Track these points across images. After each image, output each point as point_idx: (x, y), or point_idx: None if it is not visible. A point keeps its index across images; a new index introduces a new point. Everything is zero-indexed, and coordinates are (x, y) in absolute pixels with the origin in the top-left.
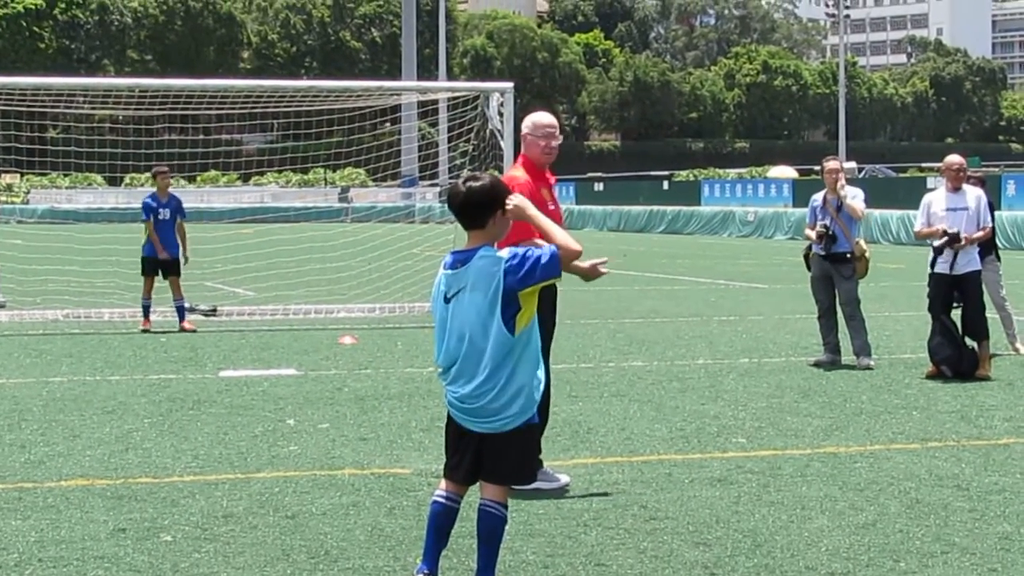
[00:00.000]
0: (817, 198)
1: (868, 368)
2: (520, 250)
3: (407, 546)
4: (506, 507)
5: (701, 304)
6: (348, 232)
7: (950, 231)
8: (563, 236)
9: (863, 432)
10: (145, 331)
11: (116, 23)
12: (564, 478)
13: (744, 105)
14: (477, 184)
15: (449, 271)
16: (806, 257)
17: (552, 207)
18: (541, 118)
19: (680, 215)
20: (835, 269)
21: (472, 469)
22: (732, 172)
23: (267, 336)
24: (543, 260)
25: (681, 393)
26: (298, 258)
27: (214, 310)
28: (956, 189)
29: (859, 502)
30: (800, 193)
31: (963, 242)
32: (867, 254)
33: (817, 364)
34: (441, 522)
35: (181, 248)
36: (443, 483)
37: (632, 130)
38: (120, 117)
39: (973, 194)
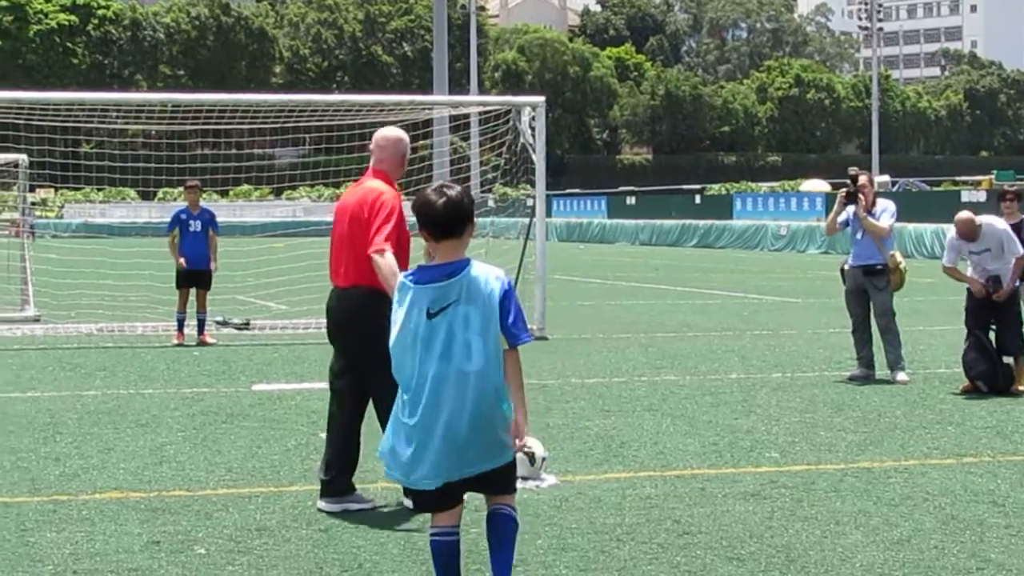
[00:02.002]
0: (850, 209)
1: (902, 383)
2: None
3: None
4: (515, 508)
5: (734, 318)
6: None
7: (989, 289)
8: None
9: (898, 447)
10: (179, 345)
11: (149, 39)
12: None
13: (776, 118)
14: (455, 193)
15: (431, 284)
16: (842, 271)
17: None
18: (398, 132)
19: (712, 229)
20: (869, 282)
21: (463, 494)
22: (764, 186)
23: (299, 350)
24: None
25: (714, 407)
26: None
27: (246, 324)
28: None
29: (894, 517)
30: (833, 207)
31: (1006, 288)
32: (902, 266)
33: (851, 379)
34: (447, 560)
35: (212, 260)
36: (436, 517)
37: (664, 144)
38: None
39: (994, 232)
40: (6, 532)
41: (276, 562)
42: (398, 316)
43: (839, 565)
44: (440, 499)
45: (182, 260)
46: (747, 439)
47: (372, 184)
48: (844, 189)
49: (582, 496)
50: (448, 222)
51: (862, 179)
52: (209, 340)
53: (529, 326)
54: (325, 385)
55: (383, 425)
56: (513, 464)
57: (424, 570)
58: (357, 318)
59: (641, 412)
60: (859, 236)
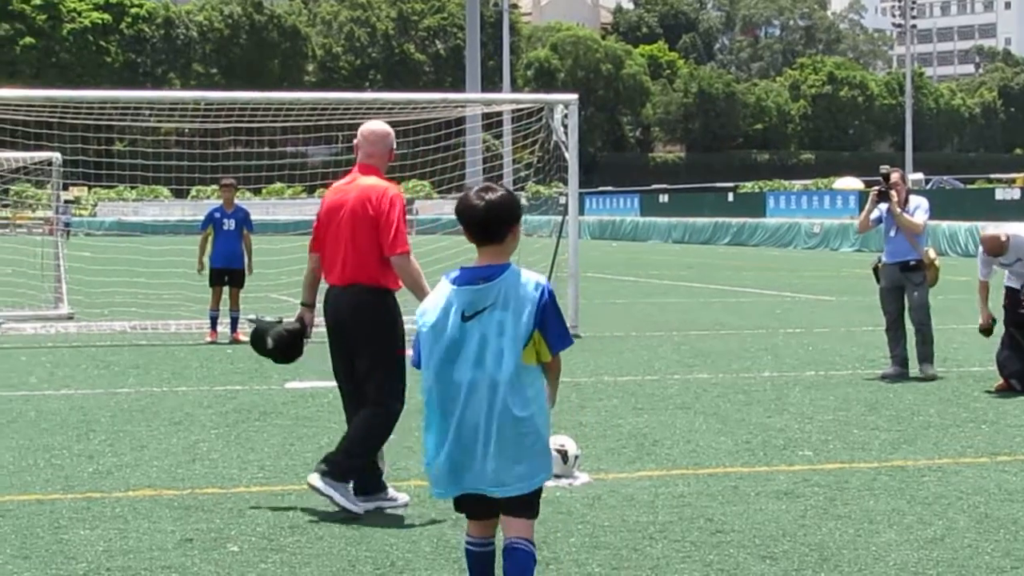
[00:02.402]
0: (883, 206)
1: (932, 378)
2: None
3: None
4: (534, 544)
5: (766, 316)
6: (414, 244)
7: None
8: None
9: (931, 446)
10: (212, 343)
11: (182, 37)
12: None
13: (809, 116)
14: (498, 196)
15: (468, 286)
16: (875, 269)
17: None
18: (385, 126)
19: (745, 227)
20: (906, 277)
21: (495, 508)
22: (797, 184)
23: None
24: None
25: (747, 405)
26: None
27: (279, 322)
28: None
29: (927, 516)
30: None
31: None
32: (936, 262)
33: (884, 377)
34: (480, 570)
35: (246, 260)
36: (469, 525)
37: (697, 142)
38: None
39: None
40: (40, 529)
41: (309, 559)
42: (430, 316)
43: (872, 564)
44: (473, 507)
45: (204, 262)
46: (780, 437)
47: (371, 181)
48: (876, 187)
49: (615, 494)
50: (487, 226)
51: (894, 176)
52: (242, 338)
53: None
54: None
55: (375, 424)
56: (539, 491)
57: (457, 567)
58: (359, 316)
59: (674, 410)
60: (892, 233)
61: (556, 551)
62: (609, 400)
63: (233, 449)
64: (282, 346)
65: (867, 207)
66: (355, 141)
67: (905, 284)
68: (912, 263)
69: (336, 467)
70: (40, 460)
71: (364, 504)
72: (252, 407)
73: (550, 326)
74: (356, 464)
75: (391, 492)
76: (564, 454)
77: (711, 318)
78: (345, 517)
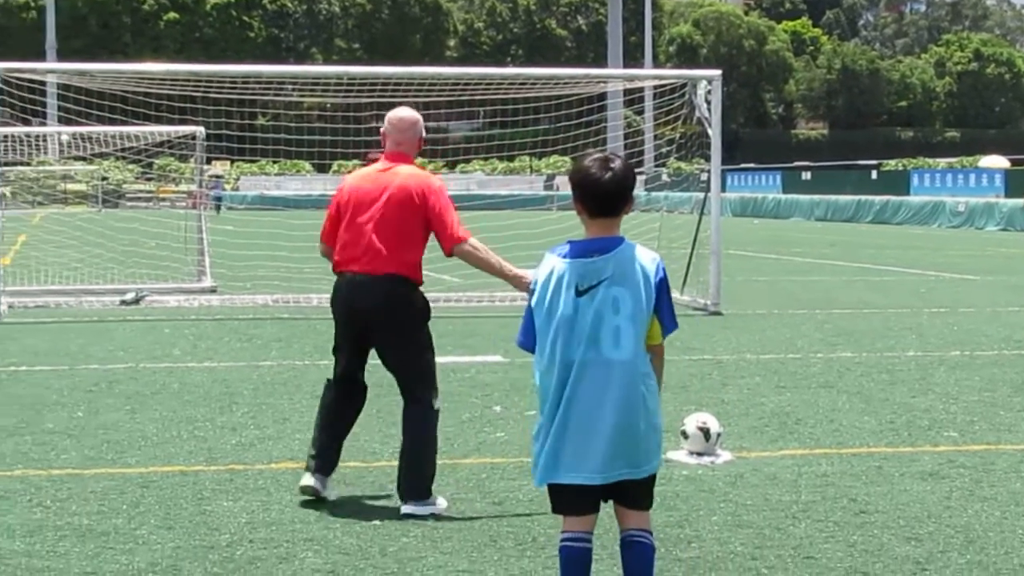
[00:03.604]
0: None
1: None
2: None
3: (614, 535)
4: (651, 532)
5: (910, 295)
6: (553, 220)
7: None
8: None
9: None
10: None
11: (324, 12)
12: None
13: (955, 93)
14: (621, 166)
15: (582, 259)
16: None
17: None
18: (414, 113)
19: (888, 205)
20: None
21: (599, 499)
22: (942, 162)
23: (473, 323)
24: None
25: (890, 385)
26: (503, 245)
27: None
28: None
29: None
30: (1013, 183)
31: None
32: None
33: None
34: (576, 571)
35: None
36: (568, 520)
37: (840, 119)
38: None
39: None
40: (183, 500)
41: (450, 534)
42: (540, 293)
43: (1019, 547)
44: (574, 500)
45: None
46: (924, 418)
47: (409, 169)
48: None
49: (757, 473)
50: (613, 199)
51: None
52: None
53: (703, 301)
54: (499, 358)
55: (427, 425)
56: (654, 478)
57: (598, 544)
58: (395, 307)
59: (816, 389)
60: None
61: (698, 529)
62: (751, 378)
63: (375, 423)
64: None
65: None
66: (382, 129)
67: None
68: None
69: (415, 490)
70: (183, 432)
71: (322, 483)
72: (393, 381)
73: (664, 306)
74: (429, 472)
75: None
76: (706, 432)
77: (854, 296)
78: (485, 491)
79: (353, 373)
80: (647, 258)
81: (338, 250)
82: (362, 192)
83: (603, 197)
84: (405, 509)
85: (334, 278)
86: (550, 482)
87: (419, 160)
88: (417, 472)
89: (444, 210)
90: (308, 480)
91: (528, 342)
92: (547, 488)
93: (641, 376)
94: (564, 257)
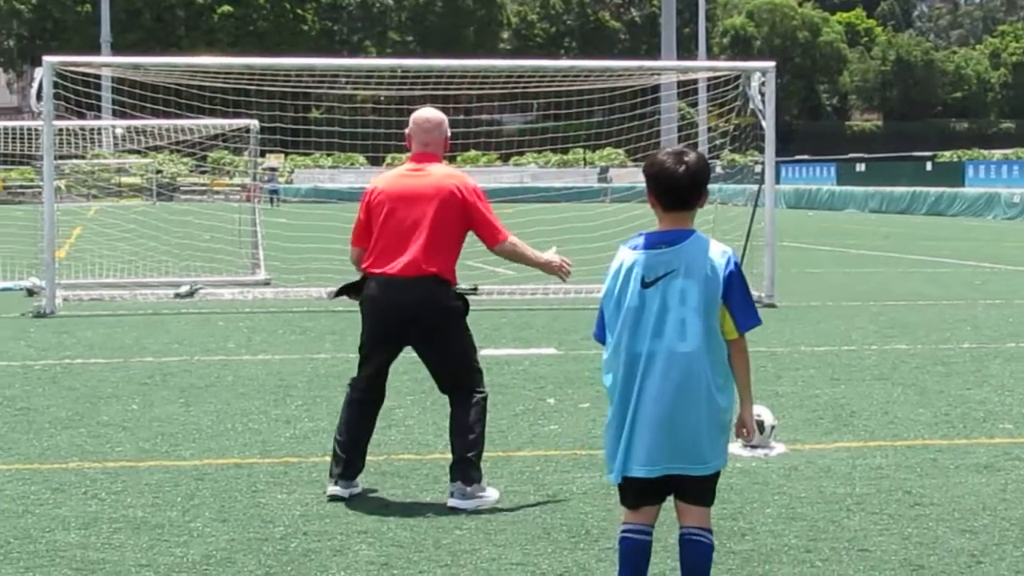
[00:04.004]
0: None
1: None
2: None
3: (668, 527)
4: (711, 530)
5: (965, 287)
6: (608, 212)
7: None
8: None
9: None
10: None
11: (378, 5)
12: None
13: (1010, 84)
14: (695, 160)
15: (651, 251)
16: None
17: None
18: (439, 113)
19: (943, 196)
20: None
21: (662, 493)
22: (997, 153)
23: (527, 315)
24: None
25: (945, 377)
26: (557, 238)
27: (474, 289)
28: None
29: None
30: None
31: None
32: None
33: None
34: (636, 560)
35: None
36: (629, 512)
37: (894, 110)
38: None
39: None
40: (238, 493)
41: (504, 526)
42: (610, 285)
43: None
44: (638, 493)
45: None
46: (980, 410)
47: (444, 169)
48: None
49: (811, 465)
50: (688, 193)
51: None
52: None
53: (757, 293)
54: (553, 350)
55: (478, 411)
56: (718, 475)
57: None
58: (436, 307)
59: (871, 381)
60: None
61: (752, 522)
62: (805, 370)
63: (428, 415)
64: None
65: None
66: (407, 130)
67: None
68: None
69: (469, 477)
70: (238, 424)
71: (351, 488)
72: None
73: (736, 299)
74: (477, 461)
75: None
76: (760, 424)
77: (908, 288)
78: (539, 484)
79: (382, 375)
80: (717, 251)
81: (373, 252)
82: (396, 194)
83: (677, 190)
84: (451, 502)
85: None
86: (619, 478)
87: (473, 153)
88: (465, 460)
89: (486, 210)
90: (335, 490)
91: (602, 334)
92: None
93: (708, 370)
94: (635, 249)
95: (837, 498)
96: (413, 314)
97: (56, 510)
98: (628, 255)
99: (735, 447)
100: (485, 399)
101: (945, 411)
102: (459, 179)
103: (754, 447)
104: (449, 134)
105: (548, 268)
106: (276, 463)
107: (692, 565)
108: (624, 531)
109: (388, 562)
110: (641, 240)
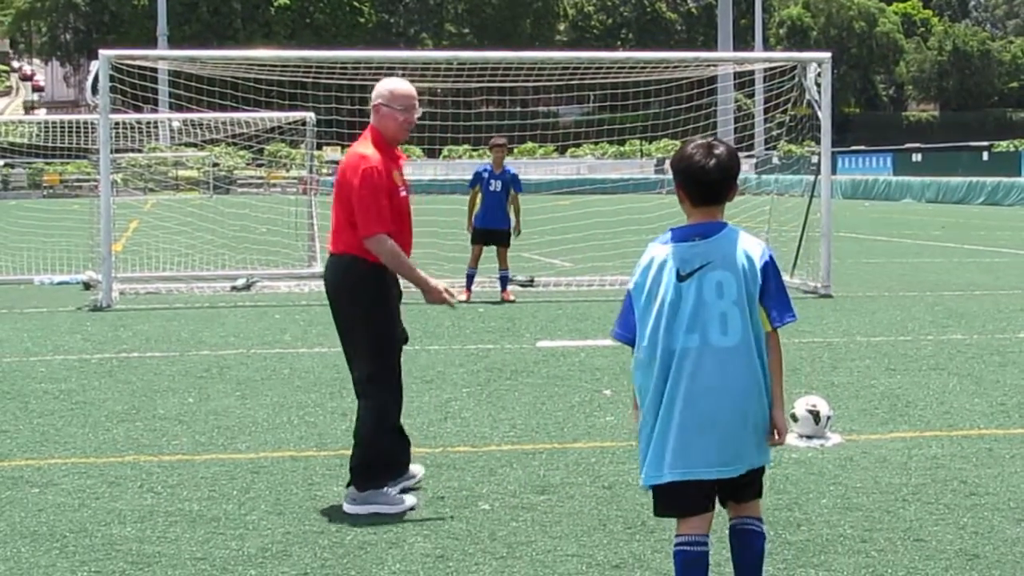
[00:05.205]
0: None
1: None
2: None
3: (723, 519)
4: (763, 519)
5: (1022, 277)
6: (664, 204)
7: None
8: None
9: None
10: (464, 301)
11: None
12: (410, 500)
13: None
14: (726, 153)
15: (684, 243)
16: None
17: (404, 192)
18: (400, 86)
19: (1000, 186)
20: None
21: (712, 495)
22: None
23: (583, 307)
24: (785, 293)
25: (1002, 367)
26: (614, 229)
27: (531, 281)
28: None
29: None
30: None
31: None
32: None
33: None
34: (696, 574)
35: (513, 221)
36: (682, 523)
37: (951, 100)
38: (438, 90)
39: None
40: (294, 486)
41: (559, 518)
42: (640, 279)
43: None
44: (686, 499)
45: (472, 224)
46: None
47: (357, 145)
48: None
49: (867, 455)
50: (719, 186)
51: None
52: (510, 297)
53: (814, 284)
54: (609, 342)
55: (378, 411)
56: (763, 470)
57: None
58: (343, 286)
59: (927, 371)
60: None
61: (807, 512)
62: (861, 360)
63: (484, 407)
64: None
65: None
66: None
67: None
68: None
69: (358, 484)
70: (294, 417)
71: (406, 498)
72: (503, 366)
73: (772, 292)
74: (366, 470)
75: (412, 469)
76: (816, 415)
77: (965, 278)
78: (595, 476)
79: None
80: (751, 243)
81: (396, 233)
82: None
83: (707, 185)
84: (347, 509)
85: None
86: (655, 483)
87: (530, 144)
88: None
89: (367, 195)
90: (410, 501)
91: (625, 334)
92: (651, 490)
93: (756, 363)
94: (666, 244)
95: (893, 488)
96: (330, 294)
97: (112, 504)
98: (659, 250)
99: (791, 438)
100: (380, 409)
101: (1001, 401)
102: (352, 156)
103: (810, 437)
104: (385, 103)
105: (428, 292)
106: (332, 456)
107: (746, 556)
108: (678, 543)
109: (444, 554)
110: (671, 235)
